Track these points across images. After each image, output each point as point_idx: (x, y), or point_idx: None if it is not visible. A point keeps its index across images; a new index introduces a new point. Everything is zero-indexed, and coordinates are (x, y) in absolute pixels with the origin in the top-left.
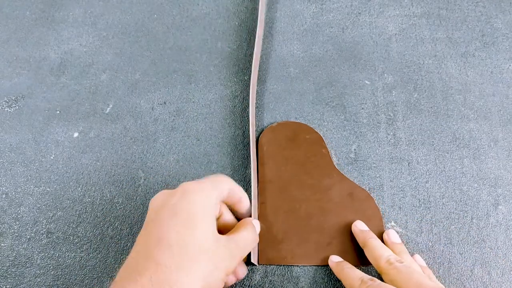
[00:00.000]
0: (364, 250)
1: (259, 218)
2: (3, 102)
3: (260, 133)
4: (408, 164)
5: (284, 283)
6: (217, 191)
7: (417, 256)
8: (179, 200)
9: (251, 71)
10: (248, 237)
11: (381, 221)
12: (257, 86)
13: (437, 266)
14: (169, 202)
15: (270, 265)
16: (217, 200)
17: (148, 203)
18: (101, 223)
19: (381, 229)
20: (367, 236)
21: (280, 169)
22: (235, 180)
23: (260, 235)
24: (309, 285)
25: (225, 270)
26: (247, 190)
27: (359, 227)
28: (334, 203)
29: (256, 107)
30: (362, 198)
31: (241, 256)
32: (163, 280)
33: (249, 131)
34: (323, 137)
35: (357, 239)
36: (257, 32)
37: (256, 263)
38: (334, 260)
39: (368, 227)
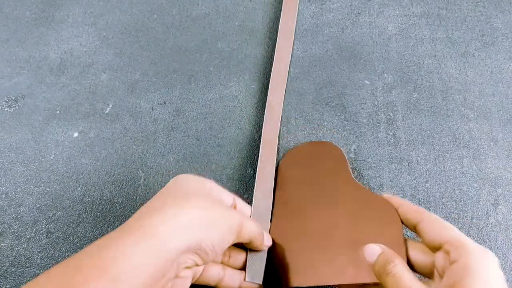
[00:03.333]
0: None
1: (275, 244)
2: (3, 102)
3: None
4: (408, 164)
5: None
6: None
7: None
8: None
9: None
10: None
11: (400, 232)
12: (256, 86)
13: None
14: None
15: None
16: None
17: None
18: (101, 223)
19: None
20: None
21: (298, 191)
22: (235, 180)
23: (279, 259)
24: None
25: (227, 218)
26: (246, 191)
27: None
28: (355, 218)
29: (256, 107)
30: (381, 208)
31: (240, 223)
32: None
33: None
34: (342, 152)
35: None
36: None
37: None
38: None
39: (386, 239)
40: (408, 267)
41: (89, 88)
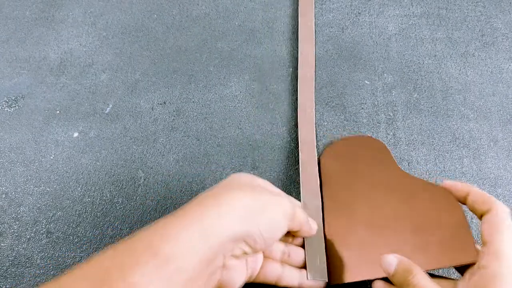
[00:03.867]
0: None
1: (329, 241)
2: (3, 102)
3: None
4: (408, 164)
5: None
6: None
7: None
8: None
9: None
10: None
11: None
12: (256, 86)
13: None
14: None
15: (343, 283)
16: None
17: (148, 203)
18: (101, 223)
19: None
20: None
21: (344, 185)
22: None
23: (338, 255)
24: None
25: (280, 205)
26: None
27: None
28: (412, 206)
29: (256, 107)
30: (438, 194)
31: (292, 209)
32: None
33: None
34: (385, 144)
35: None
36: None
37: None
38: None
39: (449, 224)
40: (427, 276)
41: (89, 88)
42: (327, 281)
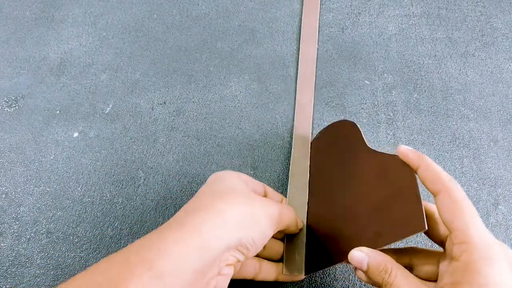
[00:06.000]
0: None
1: (313, 230)
2: (3, 102)
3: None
4: None
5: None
6: (244, 176)
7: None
8: (212, 179)
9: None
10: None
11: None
12: (256, 86)
13: None
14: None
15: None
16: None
17: (148, 203)
18: (101, 223)
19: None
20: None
21: (324, 174)
22: None
23: (318, 243)
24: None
25: (268, 212)
26: None
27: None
28: (373, 186)
29: (256, 107)
30: (395, 169)
31: (278, 212)
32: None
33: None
34: (355, 124)
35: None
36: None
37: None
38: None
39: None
40: (405, 272)
41: (89, 88)
42: (303, 275)
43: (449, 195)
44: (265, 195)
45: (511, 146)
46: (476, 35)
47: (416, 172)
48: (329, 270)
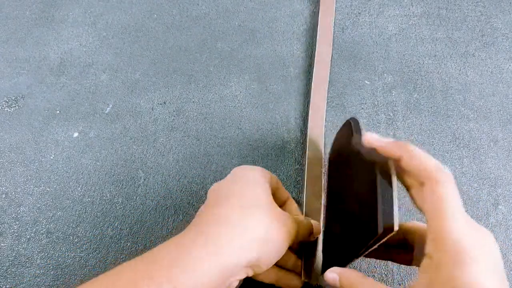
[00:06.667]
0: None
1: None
2: (3, 102)
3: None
4: None
5: None
6: (268, 174)
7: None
8: (234, 178)
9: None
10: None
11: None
12: (256, 86)
13: None
14: (225, 184)
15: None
16: (268, 179)
17: (148, 203)
18: (101, 223)
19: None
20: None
21: (335, 178)
22: None
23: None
24: None
25: (285, 231)
26: None
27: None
28: (353, 189)
29: (256, 107)
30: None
31: (296, 231)
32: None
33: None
34: (354, 118)
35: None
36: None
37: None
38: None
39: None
40: (374, 284)
41: (89, 88)
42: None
43: (432, 190)
44: (274, 191)
45: (511, 146)
46: (476, 35)
47: (399, 163)
48: None
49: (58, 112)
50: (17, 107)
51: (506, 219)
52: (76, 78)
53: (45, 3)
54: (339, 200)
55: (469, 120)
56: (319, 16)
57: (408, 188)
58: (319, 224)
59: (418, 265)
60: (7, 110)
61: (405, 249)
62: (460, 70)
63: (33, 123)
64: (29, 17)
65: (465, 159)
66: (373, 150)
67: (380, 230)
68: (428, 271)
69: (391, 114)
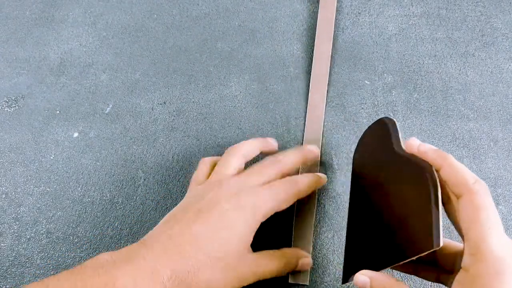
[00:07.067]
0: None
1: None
2: (3, 102)
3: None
4: None
5: None
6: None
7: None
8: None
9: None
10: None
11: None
12: (256, 86)
13: None
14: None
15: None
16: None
17: (148, 203)
18: (101, 223)
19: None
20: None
21: (363, 182)
22: None
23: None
24: None
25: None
26: None
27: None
28: (393, 192)
29: (256, 107)
30: (411, 172)
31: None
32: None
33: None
34: (387, 120)
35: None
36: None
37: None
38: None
39: None
40: None
41: (89, 88)
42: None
43: (470, 201)
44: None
45: (511, 146)
46: (476, 35)
47: (438, 173)
48: (330, 270)
49: (58, 112)
50: (17, 107)
51: (506, 219)
52: (76, 78)
53: (45, 3)
54: (370, 201)
55: (469, 120)
56: (319, 15)
57: (443, 200)
58: (309, 256)
59: (446, 282)
60: (7, 110)
61: (433, 265)
62: (460, 70)
63: (33, 123)
64: (29, 17)
65: (465, 159)
66: (413, 156)
67: (438, 244)
68: (463, 284)
69: (391, 114)
